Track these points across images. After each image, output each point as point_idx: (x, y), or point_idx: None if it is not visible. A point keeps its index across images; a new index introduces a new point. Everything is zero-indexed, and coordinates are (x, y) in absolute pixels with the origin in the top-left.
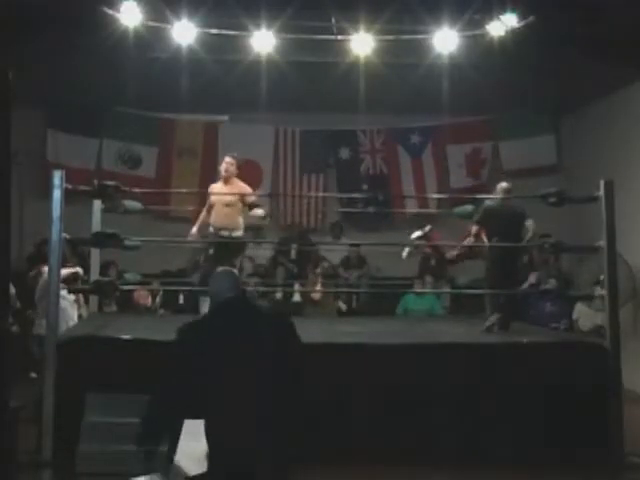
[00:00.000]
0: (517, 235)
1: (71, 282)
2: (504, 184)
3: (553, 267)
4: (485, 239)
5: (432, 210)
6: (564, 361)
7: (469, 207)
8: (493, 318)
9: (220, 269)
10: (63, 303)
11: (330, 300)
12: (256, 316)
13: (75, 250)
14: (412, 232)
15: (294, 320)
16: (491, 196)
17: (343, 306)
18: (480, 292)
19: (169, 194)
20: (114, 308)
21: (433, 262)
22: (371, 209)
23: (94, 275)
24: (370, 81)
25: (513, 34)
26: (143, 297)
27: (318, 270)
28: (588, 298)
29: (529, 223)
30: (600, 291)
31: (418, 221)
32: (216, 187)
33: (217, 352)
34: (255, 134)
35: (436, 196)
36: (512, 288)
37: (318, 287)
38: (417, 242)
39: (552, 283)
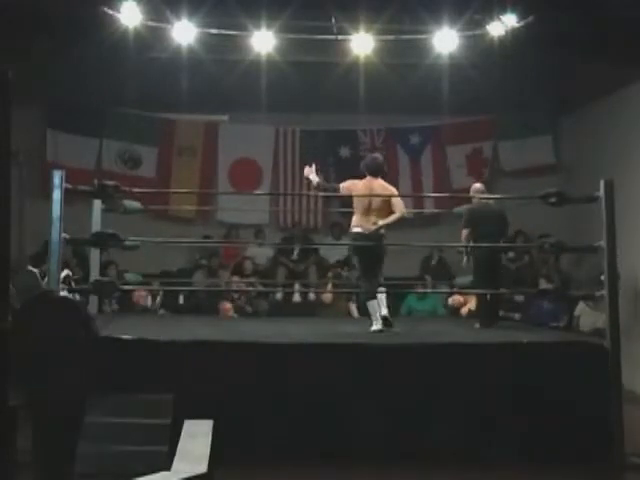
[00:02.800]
0: (501, 233)
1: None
2: (477, 185)
3: (553, 267)
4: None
5: (432, 210)
6: (564, 361)
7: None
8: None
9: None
10: None
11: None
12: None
13: (76, 250)
14: None
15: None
16: (492, 196)
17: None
18: (480, 292)
19: (169, 194)
20: (114, 308)
21: (434, 262)
22: None
23: (94, 275)
24: (370, 81)
25: (513, 34)
26: (143, 297)
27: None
28: (588, 298)
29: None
30: (600, 292)
31: (419, 220)
32: None
33: None
34: (255, 134)
35: (437, 195)
36: (498, 286)
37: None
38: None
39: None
